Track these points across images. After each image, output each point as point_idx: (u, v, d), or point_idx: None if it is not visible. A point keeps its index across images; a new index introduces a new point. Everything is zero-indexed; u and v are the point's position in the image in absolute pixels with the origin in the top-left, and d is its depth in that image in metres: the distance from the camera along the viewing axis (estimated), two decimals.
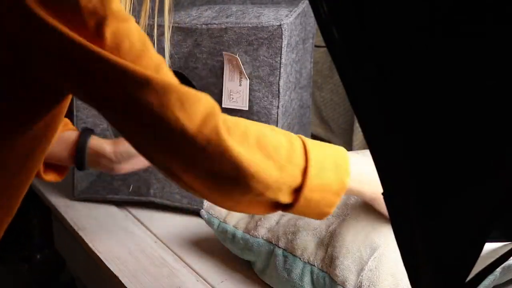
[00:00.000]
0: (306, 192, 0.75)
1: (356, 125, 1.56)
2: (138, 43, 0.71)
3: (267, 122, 1.13)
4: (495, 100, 0.44)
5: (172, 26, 1.12)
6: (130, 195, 1.22)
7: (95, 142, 1.06)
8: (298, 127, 1.32)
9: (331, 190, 0.77)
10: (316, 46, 1.45)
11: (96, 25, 0.69)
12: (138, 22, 0.93)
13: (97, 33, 0.69)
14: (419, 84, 0.46)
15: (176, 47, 1.14)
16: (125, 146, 1.03)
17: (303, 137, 0.80)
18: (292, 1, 1.26)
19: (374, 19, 0.45)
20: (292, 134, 0.79)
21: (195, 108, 0.69)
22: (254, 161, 0.71)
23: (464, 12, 0.42)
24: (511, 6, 0.39)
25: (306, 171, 0.75)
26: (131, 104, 0.69)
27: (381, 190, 0.63)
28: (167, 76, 0.72)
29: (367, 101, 0.49)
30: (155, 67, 0.71)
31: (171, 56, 1.14)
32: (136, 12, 0.95)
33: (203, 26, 1.11)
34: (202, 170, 0.72)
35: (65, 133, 1.05)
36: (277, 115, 1.13)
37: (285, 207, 0.78)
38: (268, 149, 0.74)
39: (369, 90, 0.48)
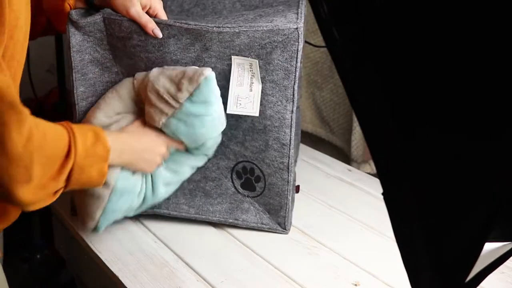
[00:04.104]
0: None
1: (356, 125, 1.56)
2: None
3: (280, 126, 1.10)
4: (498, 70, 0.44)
5: (181, 28, 1.06)
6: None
7: None
8: (296, 127, 1.30)
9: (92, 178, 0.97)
10: (316, 46, 1.45)
11: None
12: None
13: None
14: (418, 83, 0.46)
15: (183, 51, 1.08)
16: None
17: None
18: (285, 2, 1.23)
19: (373, 20, 0.45)
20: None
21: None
22: None
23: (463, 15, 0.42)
24: None
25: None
26: None
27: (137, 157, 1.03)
28: None
29: (367, 101, 0.49)
30: None
31: (177, 62, 1.10)
32: None
33: (214, 28, 1.05)
34: None
35: None
36: (291, 120, 1.10)
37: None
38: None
39: (369, 90, 0.48)
